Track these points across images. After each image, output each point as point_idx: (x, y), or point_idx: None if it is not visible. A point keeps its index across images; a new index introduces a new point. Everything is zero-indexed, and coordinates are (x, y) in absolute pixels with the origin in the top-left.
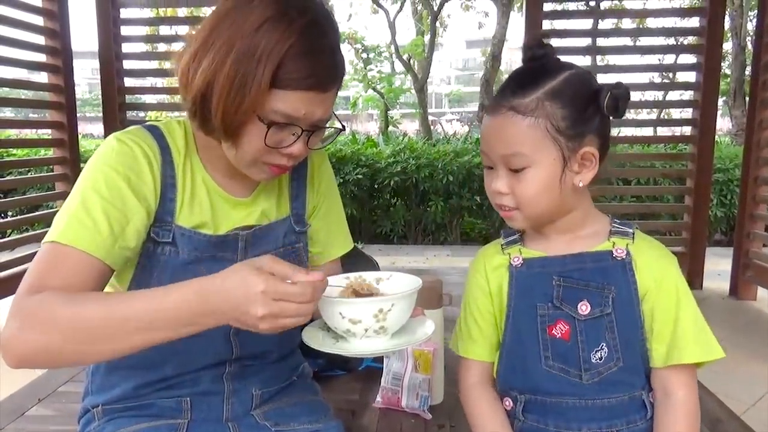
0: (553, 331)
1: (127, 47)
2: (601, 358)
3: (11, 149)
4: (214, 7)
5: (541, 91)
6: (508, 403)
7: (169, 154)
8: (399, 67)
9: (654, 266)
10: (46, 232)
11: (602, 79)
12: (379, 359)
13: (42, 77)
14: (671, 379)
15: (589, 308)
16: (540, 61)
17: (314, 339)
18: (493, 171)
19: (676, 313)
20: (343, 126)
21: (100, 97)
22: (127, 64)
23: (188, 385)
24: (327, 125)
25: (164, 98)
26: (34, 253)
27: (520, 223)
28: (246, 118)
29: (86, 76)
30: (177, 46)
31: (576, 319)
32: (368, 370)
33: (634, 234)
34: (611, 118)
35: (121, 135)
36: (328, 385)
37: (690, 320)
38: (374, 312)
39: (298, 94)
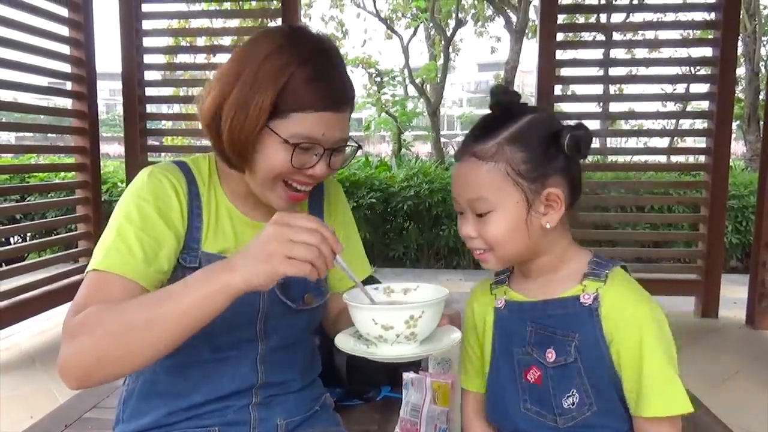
0: (528, 376)
1: (149, 75)
2: (573, 404)
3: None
4: (230, 37)
5: (501, 137)
6: None
7: (195, 186)
8: (412, 90)
9: (619, 314)
10: (65, 254)
11: (615, 107)
12: (397, 389)
13: (65, 102)
14: (649, 429)
15: (554, 356)
16: (504, 107)
17: (346, 343)
18: (463, 216)
19: (639, 365)
20: (359, 145)
21: (117, 117)
22: (149, 91)
23: (216, 415)
24: (345, 146)
25: (182, 124)
26: (54, 276)
27: (494, 265)
28: (253, 138)
29: (104, 97)
30: (197, 74)
31: (545, 365)
32: (386, 401)
33: (607, 276)
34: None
35: (151, 169)
36: (346, 415)
37: (654, 372)
38: (406, 318)
39: (315, 116)
